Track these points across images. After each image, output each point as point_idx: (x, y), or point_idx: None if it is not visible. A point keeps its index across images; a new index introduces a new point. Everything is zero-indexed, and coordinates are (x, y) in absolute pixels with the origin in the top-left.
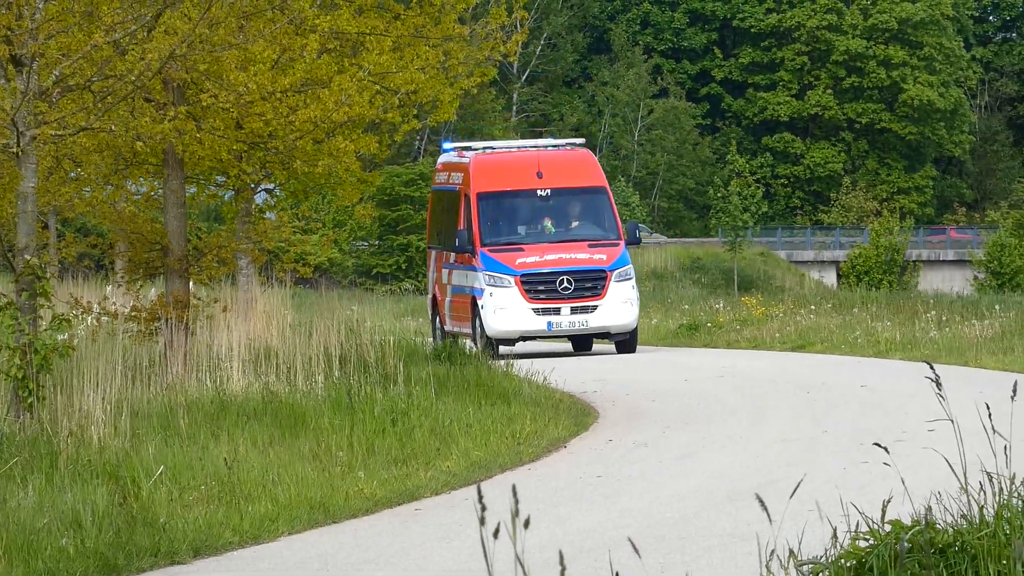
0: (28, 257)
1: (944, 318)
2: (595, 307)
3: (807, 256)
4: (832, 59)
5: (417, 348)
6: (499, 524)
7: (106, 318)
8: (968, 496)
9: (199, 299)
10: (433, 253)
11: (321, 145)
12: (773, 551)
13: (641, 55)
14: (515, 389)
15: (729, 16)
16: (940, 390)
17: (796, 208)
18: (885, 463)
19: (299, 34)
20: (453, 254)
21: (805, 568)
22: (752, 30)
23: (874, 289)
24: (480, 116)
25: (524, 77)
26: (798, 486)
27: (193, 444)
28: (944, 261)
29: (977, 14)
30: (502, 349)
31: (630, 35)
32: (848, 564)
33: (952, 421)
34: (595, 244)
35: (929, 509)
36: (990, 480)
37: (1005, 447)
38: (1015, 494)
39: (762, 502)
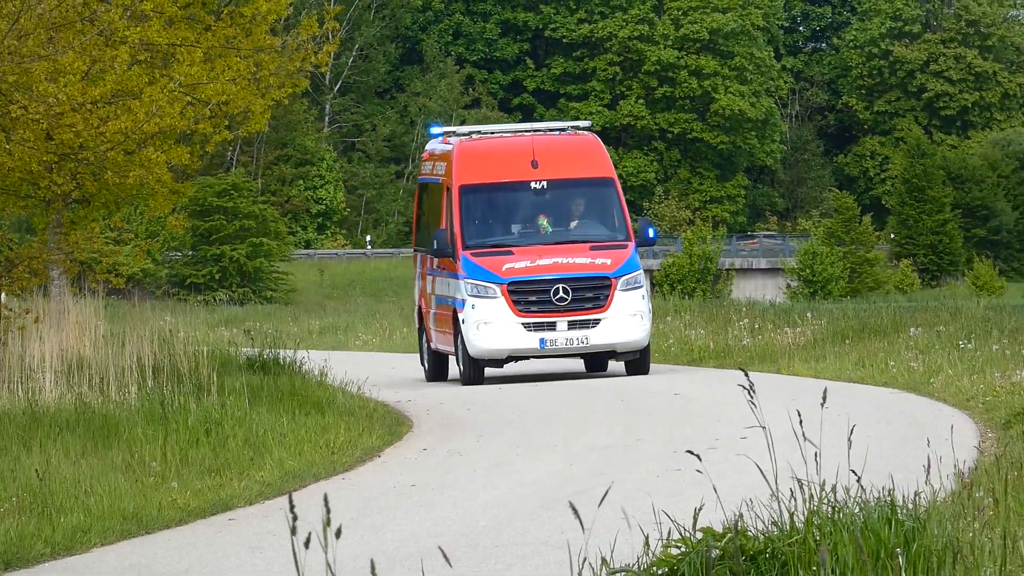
0: None
1: (757, 326)
2: (597, 321)
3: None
4: (644, 69)
5: (231, 358)
6: (310, 534)
7: None
8: (779, 503)
9: (10, 310)
10: (418, 257)
11: (132, 156)
12: (585, 559)
13: (453, 66)
14: (329, 399)
15: (541, 27)
16: (752, 397)
17: None
18: (698, 470)
19: (109, 45)
20: (436, 258)
21: (618, 575)
22: (564, 40)
23: (687, 298)
24: (292, 127)
25: (337, 88)
26: (606, 493)
27: (4, 455)
28: (757, 269)
29: (787, 24)
30: (490, 371)
31: (442, 46)
32: (660, 572)
33: (764, 428)
34: (599, 246)
35: (740, 516)
36: (800, 487)
37: (816, 454)
38: (825, 500)
39: (575, 510)
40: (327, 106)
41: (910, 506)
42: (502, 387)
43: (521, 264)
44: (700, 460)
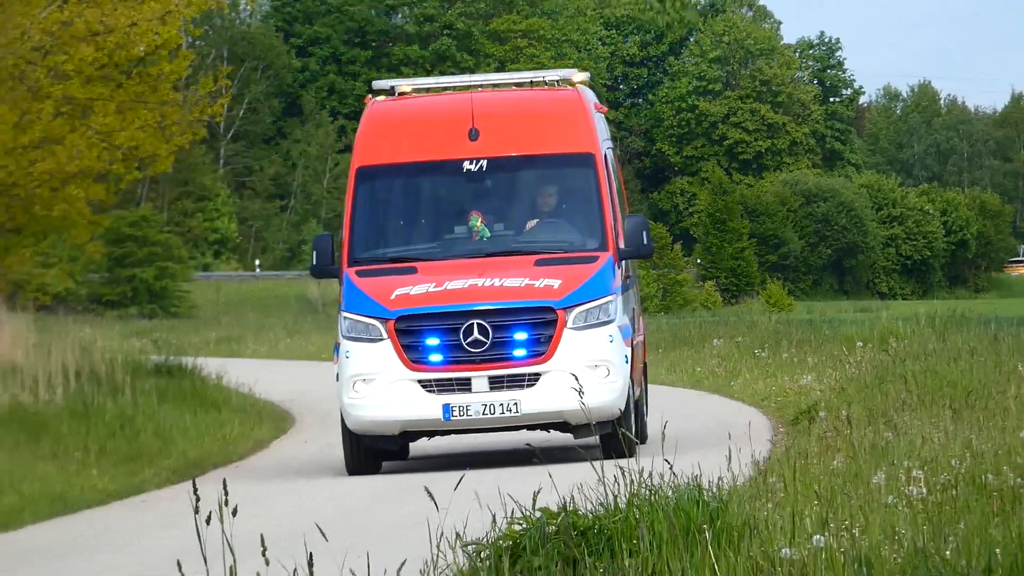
0: None
1: None
2: (535, 377)
3: None
4: None
5: (142, 364)
6: (211, 512)
7: None
8: (605, 487)
9: None
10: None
11: (57, 193)
12: (443, 534)
13: (328, 117)
14: (225, 398)
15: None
16: (581, 397)
17: None
18: (535, 460)
19: (36, 99)
20: (316, 279)
21: (470, 548)
22: None
23: None
24: (192, 168)
25: (229, 135)
26: (461, 480)
27: None
28: None
29: (610, 83)
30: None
31: (318, 100)
32: (505, 544)
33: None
34: (550, 259)
35: (572, 498)
36: (623, 473)
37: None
38: (643, 485)
39: (430, 493)
40: (221, 150)
41: (715, 489)
42: None
43: (420, 289)
44: (536, 452)
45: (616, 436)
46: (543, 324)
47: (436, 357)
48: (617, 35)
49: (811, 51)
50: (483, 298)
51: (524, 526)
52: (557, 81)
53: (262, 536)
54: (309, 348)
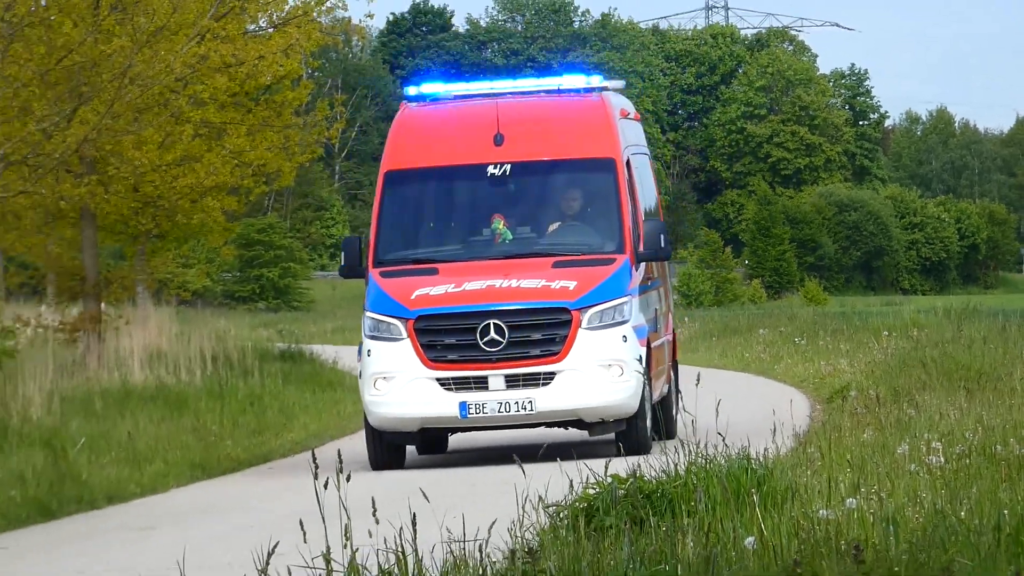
0: None
1: None
2: (550, 376)
3: None
4: None
5: (268, 350)
6: (327, 478)
7: (41, 330)
8: (667, 456)
9: (108, 315)
10: None
11: (196, 204)
12: (527, 497)
13: None
14: (339, 380)
15: None
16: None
17: None
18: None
19: (178, 123)
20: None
21: (551, 509)
22: None
23: None
24: (311, 182)
25: (343, 154)
26: (543, 450)
27: (106, 420)
28: None
29: (669, 109)
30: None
31: None
32: (581, 506)
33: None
34: (568, 261)
35: (639, 466)
36: (682, 445)
37: (692, 421)
38: (700, 455)
39: (518, 460)
40: (336, 167)
41: (761, 459)
42: None
43: (439, 290)
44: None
45: (631, 433)
46: (558, 324)
47: (453, 356)
48: (676, 67)
49: (843, 80)
50: (500, 299)
51: (597, 490)
52: (583, 89)
53: (372, 499)
54: None
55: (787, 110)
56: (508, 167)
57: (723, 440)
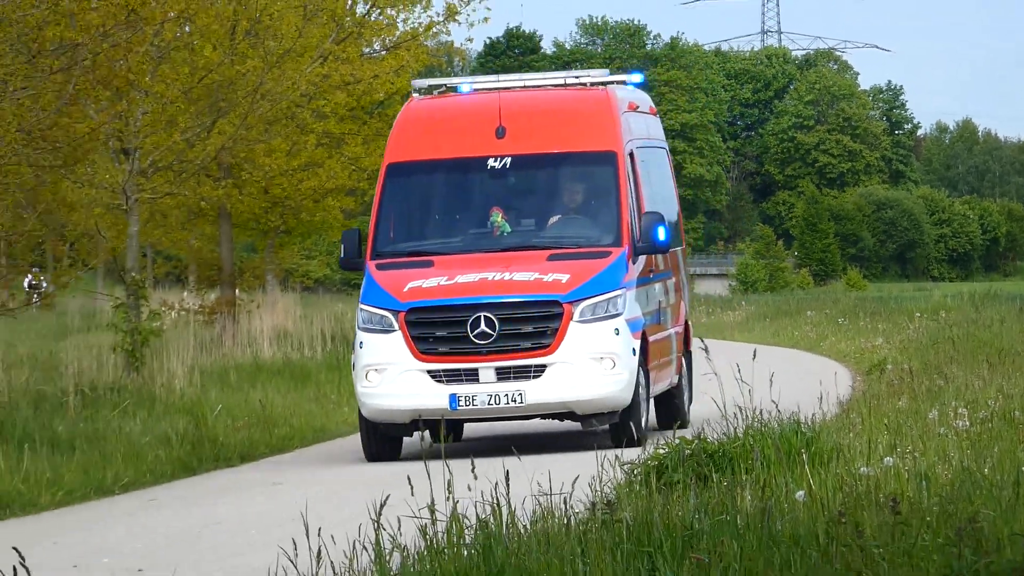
0: (133, 274)
1: (709, 310)
2: (541, 368)
3: None
4: None
5: None
6: (425, 435)
7: (183, 313)
8: (727, 421)
9: (242, 300)
10: None
11: (318, 204)
12: (605, 456)
13: None
14: None
15: None
16: (708, 355)
17: None
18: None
19: (303, 134)
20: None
21: (626, 466)
22: None
23: None
24: None
25: None
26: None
27: (239, 391)
28: (710, 274)
29: (730, 120)
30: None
31: None
32: (653, 464)
33: (716, 375)
34: (563, 254)
35: (703, 429)
36: (740, 411)
37: (748, 390)
38: (755, 419)
39: (596, 425)
40: None
41: (810, 423)
42: None
43: (432, 282)
44: None
45: (624, 426)
46: (549, 317)
47: (444, 348)
48: (735, 84)
49: (881, 95)
50: (491, 291)
51: (666, 450)
52: (598, 82)
53: (472, 461)
54: None
55: (832, 121)
56: (508, 160)
57: (776, 407)
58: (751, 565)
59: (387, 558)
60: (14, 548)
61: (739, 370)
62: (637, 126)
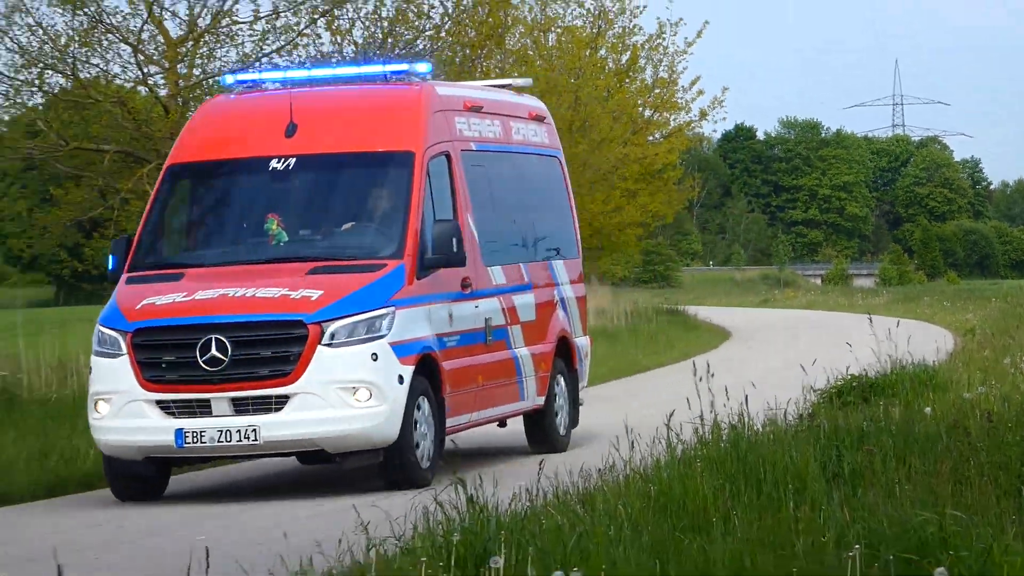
0: None
1: (864, 297)
2: (281, 400)
3: (815, 271)
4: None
5: (660, 308)
6: (703, 375)
7: None
8: (880, 364)
9: None
10: None
11: (621, 232)
12: (810, 387)
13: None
14: (697, 324)
15: None
16: (871, 323)
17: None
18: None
19: (613, 189)
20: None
21: (815, 393)
22: None
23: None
24: (681, 221)
25: (697, 203)
26: (815, 361)
27: None
28: (862, 274)
29: (874, 179)
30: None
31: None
32: (832, 391)
33: (874, 335)
34: (327, 267)
35: (865, 372)
36: (890, 358)
37: (895, 346)
38: (897, 365)
39: (803, 368)
40: (695, 212)
41: (931, 365)
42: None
43: (167, 299)
44: (850, 346)
45: (392, 465)
46: (290, 340)
47: (173, 376)
48: (877, 157)
49: (967, 163)
50: (226, 310)
51: (841, 383)
52: (412, 74)
53: (726, 387)
54: (733, 303)
55: (937, 180)
56: (293, 161)
57: (910, 356)
58: (900, 453)
59: (676, 449)
60: None
61: (889, 332)
62: (477, 128)
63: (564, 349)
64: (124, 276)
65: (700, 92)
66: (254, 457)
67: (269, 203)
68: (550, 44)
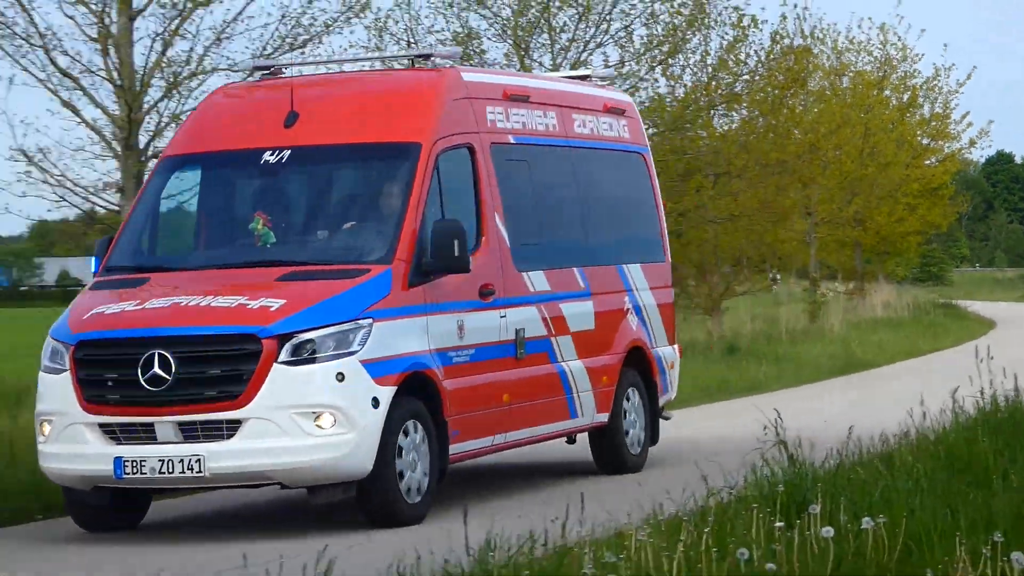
0: (813, 275)
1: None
2: (233, 425)
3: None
4: None
5: (935, 303)
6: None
7: (837, 294)
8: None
9: (864, 288)
10: None
11: (903, 238)
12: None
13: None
14: (967, 316)
15: None
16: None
17: None
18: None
19: (896, 203)
20: None
21: (960, 398)
22: None
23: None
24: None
25: (966, 215)
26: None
27: (867, 330)
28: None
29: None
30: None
31: None
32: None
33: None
34: (299, 272)
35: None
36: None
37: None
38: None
39: (922, 400)
40: (963, 222)
41: None
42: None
43: (116, 308)
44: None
45: (371, 499)
46: (242, 357)
47: (115, 396)
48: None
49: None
50: (172, 322)
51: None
52: (438, 61)
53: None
54: (996, 298)
55: None
56: (287, 153)
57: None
58: None
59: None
60: None
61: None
62: (520, 119)
63: (639, 360)
64: (95, 279)
65: (969, 124)
66: (203, 489)
67: (258, 200)
68: (844, 86)
